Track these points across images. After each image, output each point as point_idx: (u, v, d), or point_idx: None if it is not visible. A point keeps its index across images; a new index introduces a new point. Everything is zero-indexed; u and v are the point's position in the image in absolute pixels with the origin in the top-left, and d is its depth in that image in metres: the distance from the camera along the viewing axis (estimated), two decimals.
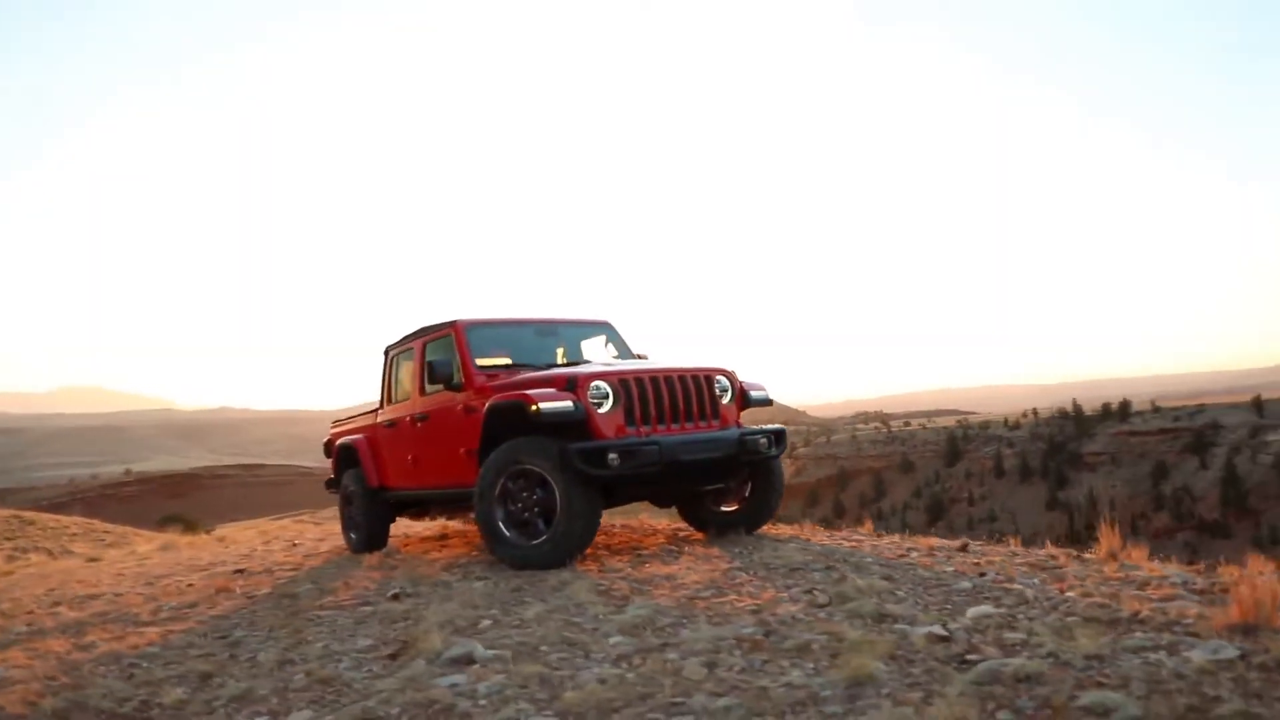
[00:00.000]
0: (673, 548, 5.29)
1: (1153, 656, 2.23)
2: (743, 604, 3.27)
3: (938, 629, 2.61)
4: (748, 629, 2.87)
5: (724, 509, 6.01)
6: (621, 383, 5.10)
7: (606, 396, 5.04)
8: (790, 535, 5.71)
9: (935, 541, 4.76)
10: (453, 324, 6.21)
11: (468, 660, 2.93)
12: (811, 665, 2.41)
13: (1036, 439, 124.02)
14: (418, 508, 7.25)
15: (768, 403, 5.86)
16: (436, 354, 6.31)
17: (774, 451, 5.49)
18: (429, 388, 6.57)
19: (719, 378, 5.54)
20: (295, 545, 9.84)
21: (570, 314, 6.94)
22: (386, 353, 7.30)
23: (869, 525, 6.32)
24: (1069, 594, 3.08)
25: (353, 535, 7.55)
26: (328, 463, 8.17)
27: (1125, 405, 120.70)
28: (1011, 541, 4.77)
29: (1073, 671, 2.16)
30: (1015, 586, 3.27)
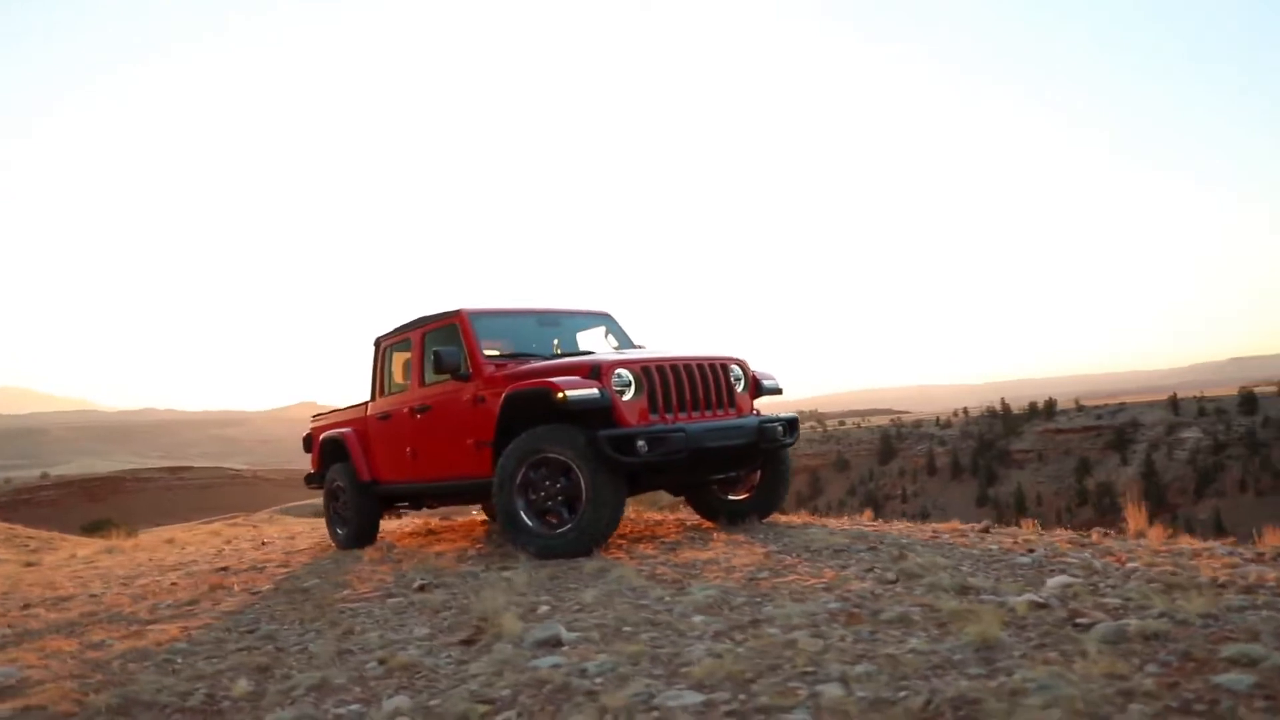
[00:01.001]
0: (693, 535, 5.29)
1: (1264, 614, 2.33)
2: (809, 583, 3.29)
3: (1033, 597, 2.68)
4: (833, 604, 2.89)
5: (732, 498, 6.04)
6: (644, 370, 5.08)
7: (629, 384, 5.02)
8: (802, 522, 5.78)
9: (956, 524, 4.87)
10: (457, 313, 6.10)
11: (555, 642, 2.88)
12: (924, 634, 2.44)
13: (967, 437, 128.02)
14: (413, 502, 7.10)
15: (779, 391, 5.92)
16: (440, 343, 6.19)
17: (789, 440, 5.55)
18: (430, 378, 6.45)
19: (734, 366, 5.57)
20: (265, 544, 9.55)
21: (569, 304, 6.88)
22: (378, 344, 7.13)
23: (869, 514, 6.43)
24: (1131, 565, 3.19)
25: (339, 531, 7.36)
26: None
27: (1051, 404, 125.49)
28: (1024, 525, 4.91)
29: (1195, 629, 2.24)
30: (1073, 559, 3.38)
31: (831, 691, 2.00)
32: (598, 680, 2.37)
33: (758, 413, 5.62)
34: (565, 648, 2.77)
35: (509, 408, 5.19)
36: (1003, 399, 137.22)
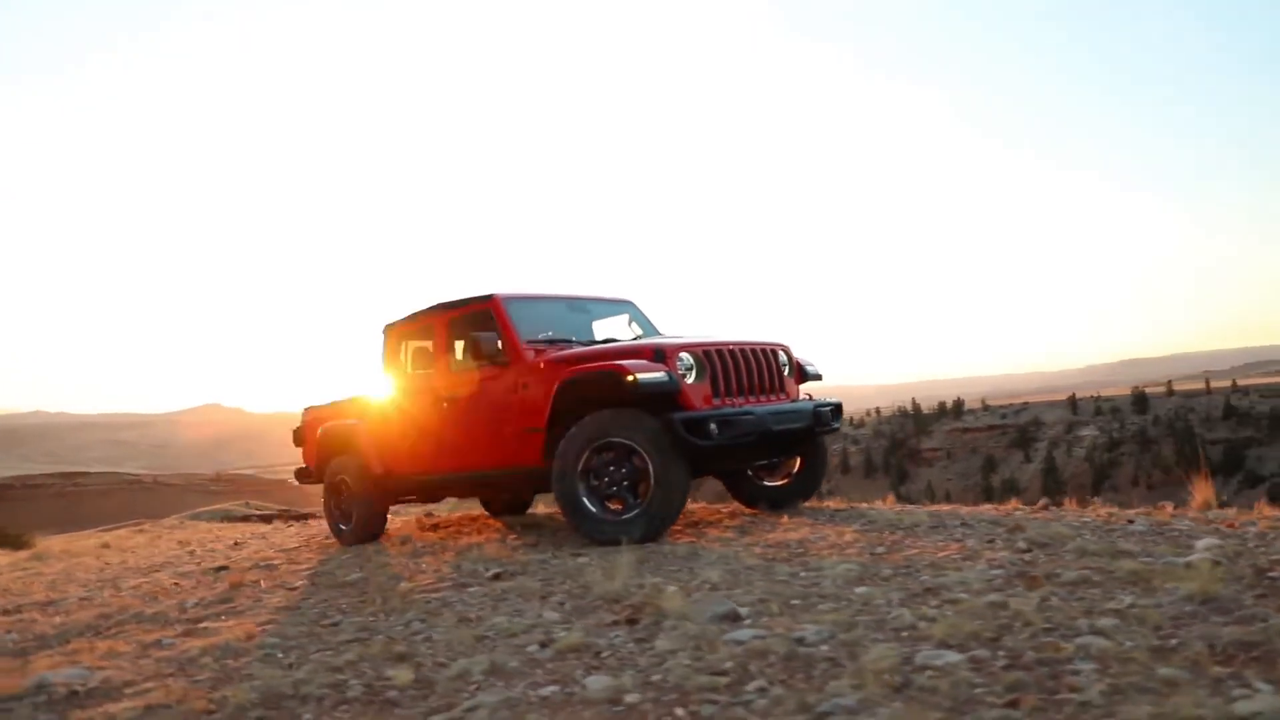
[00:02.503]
0: (751, 521, 5.28)
1: None
2: (943, 554, 3.32)
3: (1204, 556, 2.77)
4: (995, 570, 2.92)
5: (769, 483, 6.06)
6: (706, 354, 5.05)
7: (691, 368, 4.97)
8: (835, 507, 5.85)
9: (1017, 503, 5.01)
10: (490, 298, 5.92)
11: (734, 616, 2.79)
12: (1130, 592, 2.48)
13: (879, 436, 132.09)
14: (425, 495, 6.88)
15: (819, 377, 5.97)
16: (471, 329, 6.02)
17: (836, 424, 5.61)
18: (457, 365, 6.25)
19: (781, 351, 5.60)
20: (237, 544, 9.10)
21: (594, 292, 6.78)
22: (389, 331, 6.86)
23: (890, 499, 6.54)
24: (1250, 528, 3.34)
25: (342, 527, 7.06)
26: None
27: (959, 404, 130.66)
28: (1066, 503, 5.09)
29: None
30: (1182, 526, 3.51)
31: (1098, 643, 2.02)
32: (822, 648, 2.33)
33: (809, 396, 5.67)
34: (748, 621, 2.71)
35: (565, 393, 5.07)
36: (914, 399, 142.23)
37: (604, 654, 2.66)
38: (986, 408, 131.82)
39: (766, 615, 2.74)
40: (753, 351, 5.31)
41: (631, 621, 2.92)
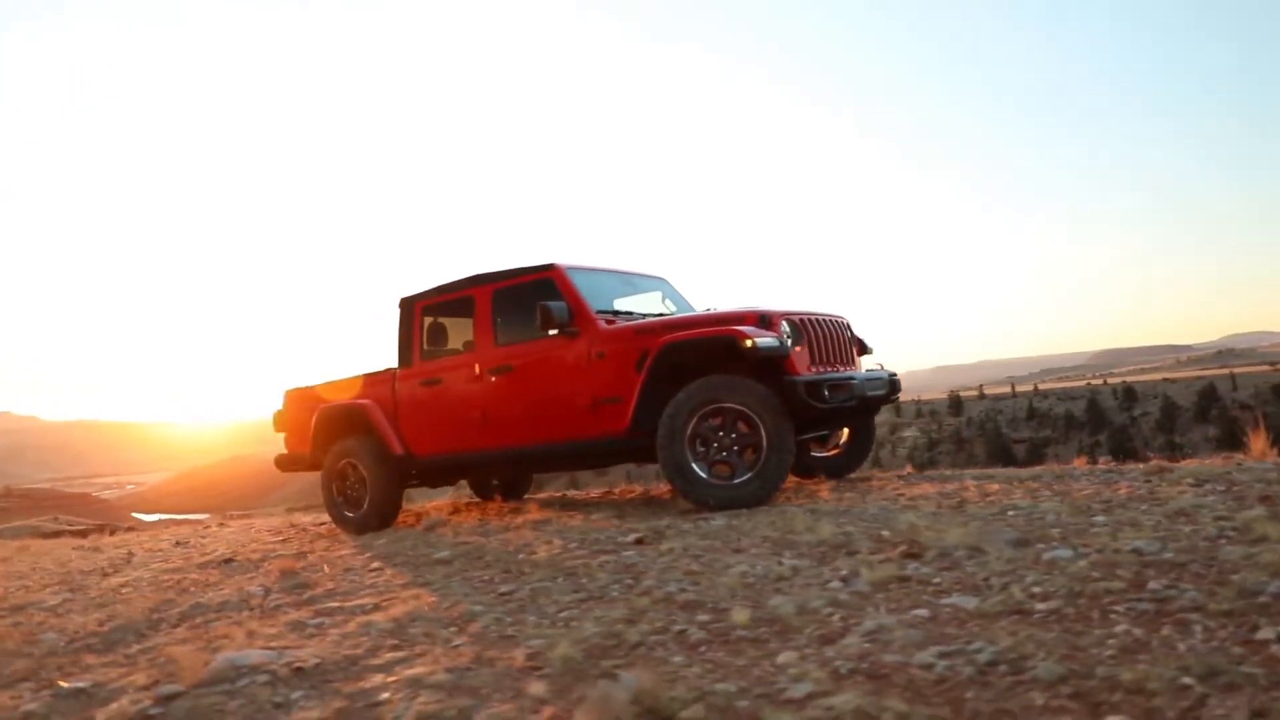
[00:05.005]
0: (815, 489, 5.42)
1: None
2: (1122, 492, 3.58)
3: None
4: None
5: (818, 454, 6.22)
6: (801, 322, 5.14)
7: (789, 335, 5.05)
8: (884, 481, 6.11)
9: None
10: (552, 267, 5.75)
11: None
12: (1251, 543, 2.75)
13: None
14: (469, 474, 6.58)
15: (871, 352, 6.21)
16: (526, 299, 5.81)
17: (896, 396, 5.87)
18: (506, 336, 5.99)
19: (847, 323, 5.78)
20: (179, 544, 8.23)
21: (631, 267, 6.70)
22: (411, 305, 6.47)
23: (909, 468, 6.90)
24: None
25: (349, 514, 6.58)
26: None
27: None
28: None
29: None
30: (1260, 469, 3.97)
31: None
32: (1166, 555, 2.50)
33: (881, 366, 5.88)
34: (1055, 544, 2.83)
35: (665, 358, 5.00)
36: None
37: (934, 581, 2.69)
38: None
39: (1051, 541, 2.86)
40: (831, 322, 5.46)
41: (914, 555, 2.96)
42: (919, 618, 2.40)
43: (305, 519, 9.15)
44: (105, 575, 6.32)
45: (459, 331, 6.61)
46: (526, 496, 7.87)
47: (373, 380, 6.62)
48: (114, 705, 2.72)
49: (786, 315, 5.08)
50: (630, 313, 5.86)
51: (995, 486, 4.24)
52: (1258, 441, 4.74)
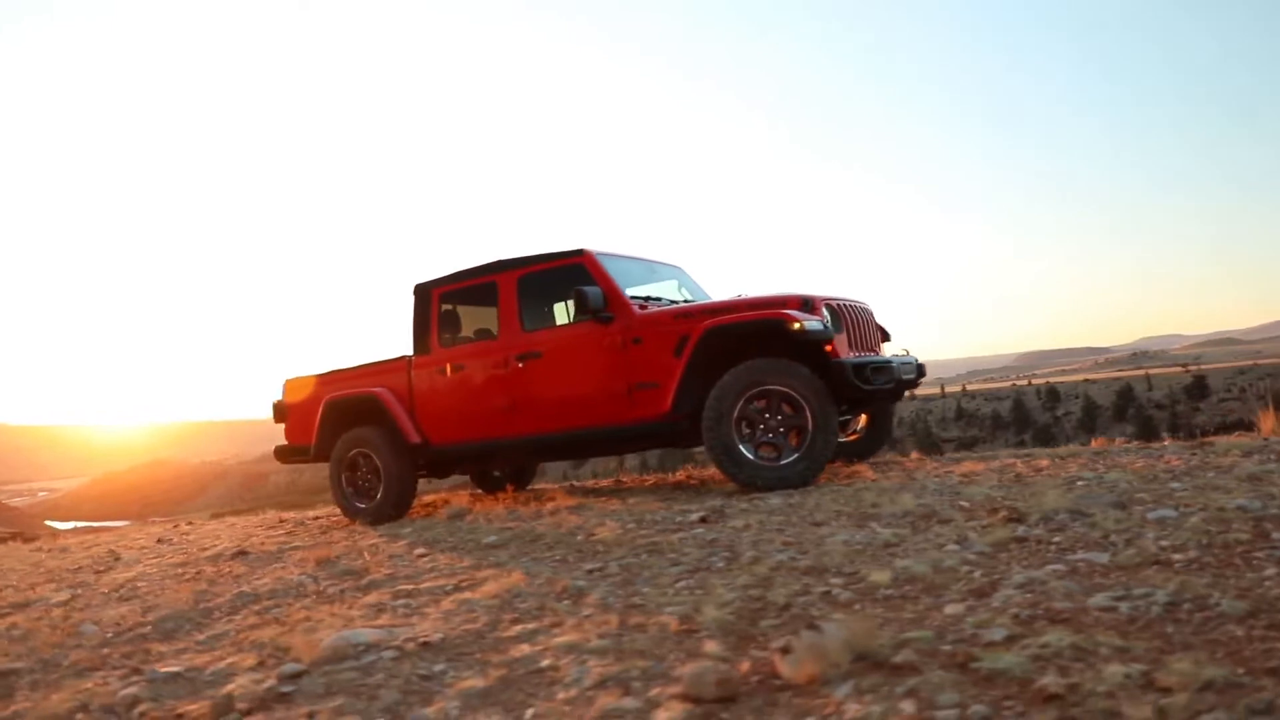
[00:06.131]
0: (852, 471, 5.54)
1: None
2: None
3: None
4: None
5: (840, 440, 6.33)
6: (838, 307, 5.24)
7: (829, 319, 5.14)
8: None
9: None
10: (582, 253, 5.74)
11: (1080, 513, 3.05)
12: None
13: None
14: (493, 461, 6.52)
15: (890, 339, 6.35)
16: (554, 285, 5.79)
17: (920, 382, 6.03)
18: (534, 322, 5.95)
19: (872, 310, 5.91)
20: (161, 541, 7.91)
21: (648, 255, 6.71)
22: (427, 292, 6.36)
23: (916, 454, 7.08)
24: None
25: (360, 505, 6.44)
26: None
27: None
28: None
29: None
30: None
31: None
32: (1272, 510, 2.67)
33: (907, 352, 6.02)
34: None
35: (706, 344, 5.04)
36: None
37: (1053, 541, 2.79)
38: None
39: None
40: (860, 308, 5.58)
41: (1016, 520, 3.07)
42: (1060, 571, 2.49)
43: (289, 515, 8.87)
44: (99, 573, 6.05)
45: (470, 319, 6.52)
46: (530, 487, 7.81)
47: (386, 368, 6.48)
48: (229, 686, 2.62)
49: (827, 300, 5.17)
50: (659, 299, 5.89)
51: (1044, 462, 4.42)
52: (1267, 421, 5.05)
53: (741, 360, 5.00)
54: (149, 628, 3.80)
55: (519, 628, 2.75)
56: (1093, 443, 5.50)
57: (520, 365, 5.79)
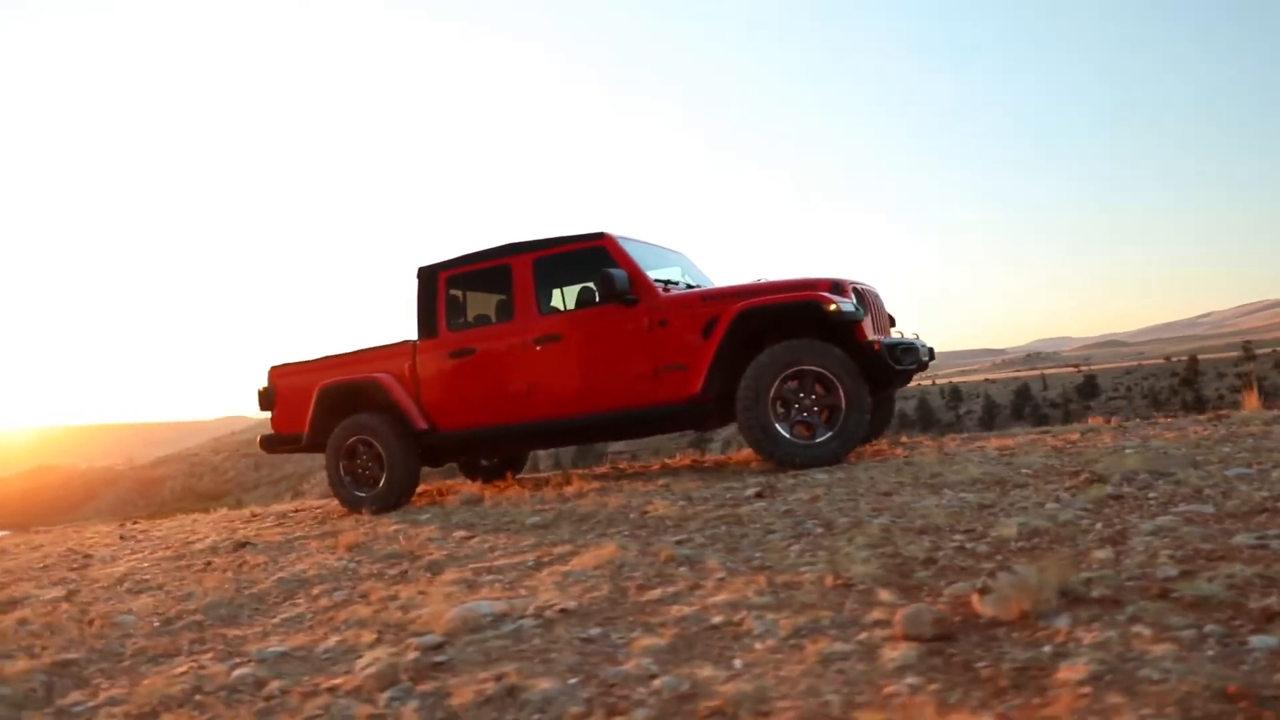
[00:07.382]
0: (874, 450, 5.71)
1: None
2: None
3: None
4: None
5: None
6: (861, 291, 5.40)
7: (855, 302, 5.29)
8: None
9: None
10: (603, 235, 5.73)
11: (1162, 473, 3.27)
12: None
13: None
14: (505, 447, 6.40)
15: (896, 323, 6.56)
16: (571, 268, 5.77)
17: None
18: (550, 306, 5.91)
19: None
20: (151, 526, 7.49)
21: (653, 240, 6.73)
22: (431, 275, 6.22)
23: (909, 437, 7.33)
24: None
25: (359, 494, 6.25)
26: None
27: None
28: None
29: None
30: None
31: None
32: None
33: (917, 336, 6.23)
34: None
35: (738, 326, 5.11)
36: None
37: (1149, 497, 2.98)
38: None
39: (1220, 464, 3.24)
40: (875, 293, 5.76)
41: (1099, 480, 3.25)
42: (1179, 520, 2.66)
43: (259, 510, 8.49)
44: (76, 569, 5.69)
45: (481, 303, 6.42)
46: (518, 476, 7.71)
47: (387, 353, 6.31)
48: (364, 660, 2.54)
49: (852, 283, 5.32)
50: (676, 282, 5.93)
51: (1075, 436, 4.67)
52: (1251, 400, 5.49)
53: (765, 343, 5.10)
54: (200, 615, 3.61)
55: (656, 592, 2.74)
56: (1089, 420, 5.83)
57: (539, 349, 5.74)
